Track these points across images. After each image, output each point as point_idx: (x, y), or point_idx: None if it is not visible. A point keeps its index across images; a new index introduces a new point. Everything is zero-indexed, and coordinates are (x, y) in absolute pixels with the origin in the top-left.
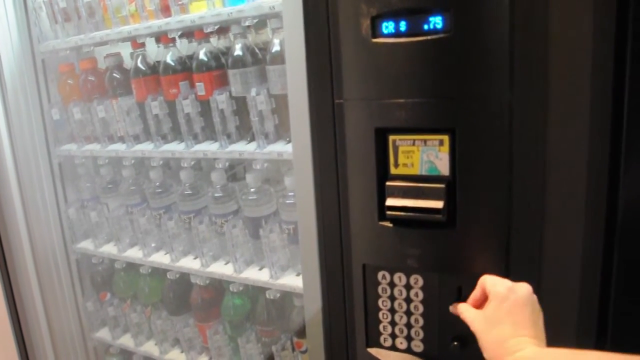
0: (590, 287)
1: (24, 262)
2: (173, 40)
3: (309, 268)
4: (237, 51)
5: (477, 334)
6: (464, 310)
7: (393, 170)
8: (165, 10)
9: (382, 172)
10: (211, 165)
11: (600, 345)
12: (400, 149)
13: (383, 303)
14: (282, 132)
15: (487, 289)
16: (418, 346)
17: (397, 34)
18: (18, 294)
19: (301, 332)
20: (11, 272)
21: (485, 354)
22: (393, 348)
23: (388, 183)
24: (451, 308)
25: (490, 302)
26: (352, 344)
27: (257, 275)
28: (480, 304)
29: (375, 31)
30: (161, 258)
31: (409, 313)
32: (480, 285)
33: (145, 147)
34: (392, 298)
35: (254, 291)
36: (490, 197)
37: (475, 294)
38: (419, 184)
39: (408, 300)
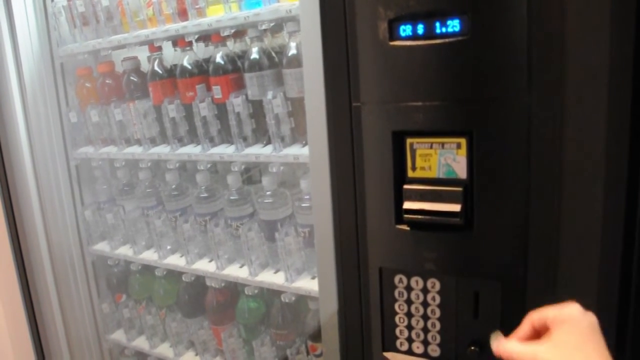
0: (610, 288)
1: (41, 263)
2: (190, 43)
3: (325, 271)
4: (254, 54)
5: None
6: (515, 347)
7: (410, 174)
8: (183, 14)
9: (399, 175)
10: (227, 168)
11: (619, 348)
12: (418, 152)
13: (399, 307)
14: (298, 135)
15: (549, 318)
16: (435, 350)
17: (415, 37)
18: (35, 295)
19: (316, 336)
20: (28, 273)
21: None
22: (409, 352)
23: (405, 186)
24: (494, 346)
25: (561, 326)
26: (367, 347)
27: (272, 278)
28: (528, 340)
29: (393, 34)
30: (176, 260)
31: (425, 317)
32: (529, 322)
33: (162, 150)
34: (409, 302)
35: (269, 294)
36: (507, 200)
37: (523, 331)
38: (437, 187)
39: (425, 304)
